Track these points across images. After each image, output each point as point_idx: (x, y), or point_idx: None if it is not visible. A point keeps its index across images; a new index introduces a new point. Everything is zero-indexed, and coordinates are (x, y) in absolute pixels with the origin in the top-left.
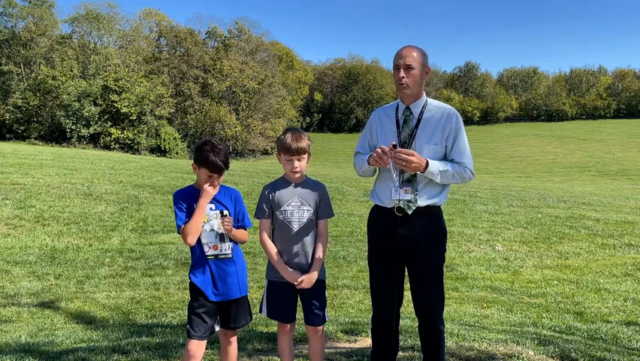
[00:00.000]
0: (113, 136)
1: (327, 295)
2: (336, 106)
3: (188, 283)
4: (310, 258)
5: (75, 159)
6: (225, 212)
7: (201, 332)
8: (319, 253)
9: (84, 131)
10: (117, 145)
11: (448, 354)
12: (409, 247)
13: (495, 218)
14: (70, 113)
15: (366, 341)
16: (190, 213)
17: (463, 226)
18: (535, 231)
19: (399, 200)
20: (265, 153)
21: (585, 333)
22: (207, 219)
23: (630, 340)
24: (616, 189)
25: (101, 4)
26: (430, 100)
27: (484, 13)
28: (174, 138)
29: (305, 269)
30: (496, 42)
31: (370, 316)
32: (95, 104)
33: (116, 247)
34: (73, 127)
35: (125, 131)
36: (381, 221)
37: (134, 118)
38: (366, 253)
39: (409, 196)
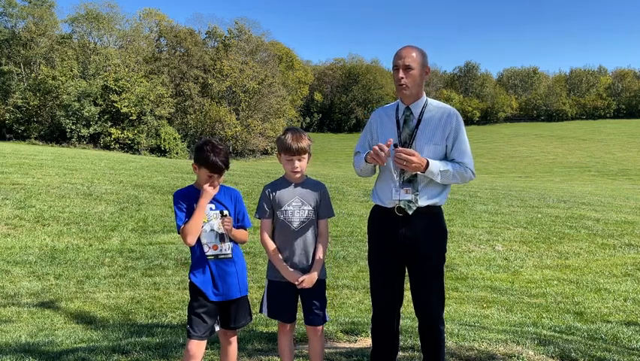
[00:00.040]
0: (113, 136)
1: (327, 295)
2: (336, 106)
3: (188, 283)
4: (311, 258)
5: (75, 159)
6: (225, 212)
7: (201, 332)
8: (320, 253)
9: (84, 131)
10: (117, 145)
11: (448, 354)
12: (409, 247)
13: (495, 218)
14: (70, 113)
15: (366, 341)
16: (190, 213)
17: (463, 225)
18: (535, 231)
19: (399, 200)
20: (265, 153)
21: (585, 333)
22: (207, 220)
23: (630, 340)
24: (616, 189)
25: (101, 4)
26: (430, 100)
27: (484, 13)
28: (174, 138)
29: (305, 269)
30: (496, 42)
31: (370, 316)
32: (95, 104)
33: (116, 247)
34: (73, 127)
35: (125, 131)
36: (382, 221)
37: (134, 118)
38: (367, 253)
39: (409, 196)
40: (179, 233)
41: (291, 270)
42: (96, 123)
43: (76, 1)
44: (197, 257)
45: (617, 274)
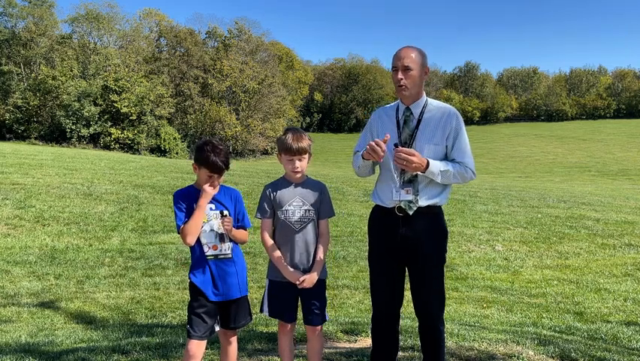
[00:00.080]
0: (113, 136)
1: (327, 295)
2: (336, 106)
3: (188, 283)
4: (312, 258)
5: (75, 159)
6: (225, 212)
7: (201, 332)
8: (320, 253)
9: (84, 131)
10: (117, 145)
11: (448, 354)
12: (409, 247)
13: (495, 218)
14: (70, 113)
15: (366, 341)
16: (190, 213)
17: (463, 225)
18: (535, 231)
19: (400, 200)
20: (265, 153)
21: (585, 333)
22: (207, 220)
23: (630, 340)
24: (616, 189)
25: (101, 4)
26: (430, 100)
27: (484, 13)
28: (174, 138)
29: (306, 269)
30: (496, 42)
31: (370, 316)
32: (95, 104)
33: (116, 247)
34: (73, 127)
35: (125, 131)
36: (383, 221)
37: (134, 118)
38: (367, 253)
39: (410, 197)
40: (178, 233)
41: (292, 270)
42: (96, 123)
43: (76, 1)
44: (197, 257)
45: (617, 274)
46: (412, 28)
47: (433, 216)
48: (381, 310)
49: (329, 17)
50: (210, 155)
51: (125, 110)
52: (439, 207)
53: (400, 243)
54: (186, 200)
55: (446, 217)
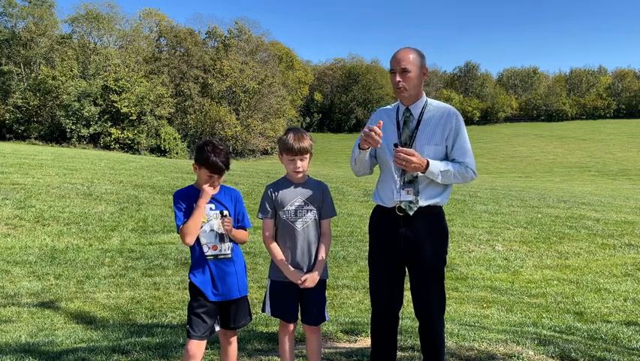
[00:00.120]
0: (113, 136)
1: (327, 295)
2: (336, 106)
3: (188, 283)
4: (313, 257)
5: (75, 159)
6: (225, 212)
7: (201, 332)
8: (322, 253)
9: (84, 131)
10: (117, 145)
11: (448, 354)
12: (409, 247)
13: (495, 218)
14: (70, 113)
15: (366, 341)
16: (190, 213)
17: (463, 225)
18: (535, 231)
19: (400, 201)
20: (265, 153)
21: (585, 333)
22: (207, 220)
23: (630, 340)
24: (616, 189)
25: (101, 4)
26: (430, 100)
27: (484, 13)
28: (174, 138)
29: (308, 269)
30: (496, 42)
31: (370, 316)
32: (95, 104)
33: (116, 247)
34: (74, 127)
35: (125, 131)
36: (383, 221)
37: (134, 118)
38: (367, 253)
39: (410, 197)
40: (178, 233)
41: (293, 270)
42: (96, 123)
43: (76, 1)
44: (197, 257)
45: (617, 274)
46: (412, 28)
47: (433, 217)
48: (381, 311)
49: (329, 17)
50: (210, 155)
51: (125, 110)
52: (440, 207)
53: (400, 243)
54: (186, 200)
55: (446, 217)
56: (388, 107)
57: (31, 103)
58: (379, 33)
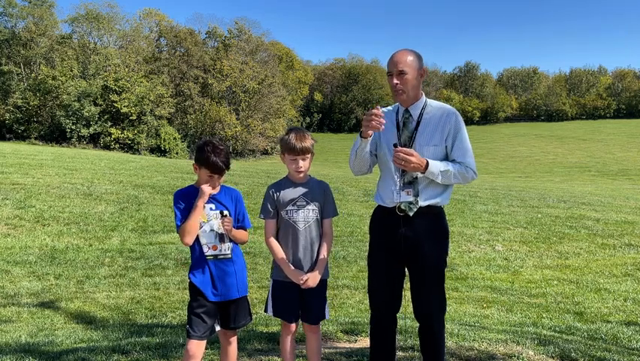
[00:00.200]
0: (113, 136)
1: (327, 295)
2: (336, 106)
3: (187, 283)
4: (315, 257)
5: (75, 159)
6: (225, 212)
7: (201, 332)
8: (324, 253)
9: (84, 131)
10: (117, 145)
11: (448, 354)
12: (410, 247)
13: (495, 218)
14: (70, 113)
15: (366, 341)
16: (190, 213)
17: (463, 225)
18: (535, 231)
19: (400, 202)
20: (265, 153)
21: (585, 333)
22: (207, 220)
23: (630, 340)
24: (616, 189)
25: (101, 4)
26: (429, 101)
27: (484, 13)
28: (174, 138)
29: (310, 268)
30: (496, 42)
31: (370, 316)
32: (95, 104)
33: (116, 247)
34: (73, 127)
35: (125, 131)
36: (384, 221)
37: (134, 118)
38: (367, 253)
39: (410, 198)
40: (178, 233)
41: (296, 270)
42: (96, 123)
43: (76, 1)
44: (197, 257)
45: (617, 274)
46: (412, 28)
47: (433, 217)
48: (381, 311)
49: (329, 17)
50: (211, 155)
51: (125, 110)
52: (440, 207)
53: (401, 243)
54: (186, 200)
55: (446, 217)
56: (388, 108)
57: (31, 103)
58: (379, 33)
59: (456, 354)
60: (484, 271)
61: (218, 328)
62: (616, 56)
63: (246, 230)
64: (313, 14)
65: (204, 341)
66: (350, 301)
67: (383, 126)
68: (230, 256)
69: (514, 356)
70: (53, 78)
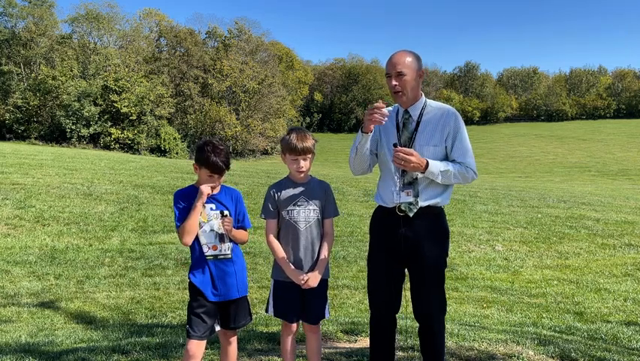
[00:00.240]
0: (113, 136)
1: (327, 295)
2: (336, 106)
3: (187, 283)
4: (316, 257)
5: (75, 159)
6: (226, 212)
7: (201, 332)
8: (324, 253)
9: (84, 131)
10: (117, 145)
11: (448, 354)
12: (410, 248)
13: (495, 218)
14: (70, 113)
15: (366, 341)
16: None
17: (463, 225)
18: (535, 231)
19: (400, 202)
20: (265, 153)
21: (585, 333)
22: (207, 220)
23: (630, 340)
24: (616, 189)
25: (101, 4)
26: (429, 101)
27: (484, 13)
28: (174, 138)
29: (310, 268)
30: (496, 42)
31: (369, 316)
32: (95, 104)
33: (116, 247)
34: (73, 127)
35: (125, 131)
36: (384, 221)
37: (134, 118)
38: (367, 253)
39: (410, 199)
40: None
41: (297, 270)
42: (96, 123)
43: (76, 1)
44: (197, 257)
45: (617, 274)
46: (412, 28)
47: (434, 217)
48: (381, 311)
49: (329, 17)
50: (211, 155)
51: (125, 110)
52: (441, 207)
53: (401, 243)
54: (186, 200)
55: (446, 217)
56: (388, 108)
57: (31, 103)
58: (379, 33)
59: (456, 354)
60: (484, 271)
61: (218, 328)
62: (616, 56)
63: (246, 230)
64: (313, 14)
65: (204, 341)
66: (350, 301)
67: (386, 118)
68: (230, 256)
69: (514, 356)
70: (53, 78)
